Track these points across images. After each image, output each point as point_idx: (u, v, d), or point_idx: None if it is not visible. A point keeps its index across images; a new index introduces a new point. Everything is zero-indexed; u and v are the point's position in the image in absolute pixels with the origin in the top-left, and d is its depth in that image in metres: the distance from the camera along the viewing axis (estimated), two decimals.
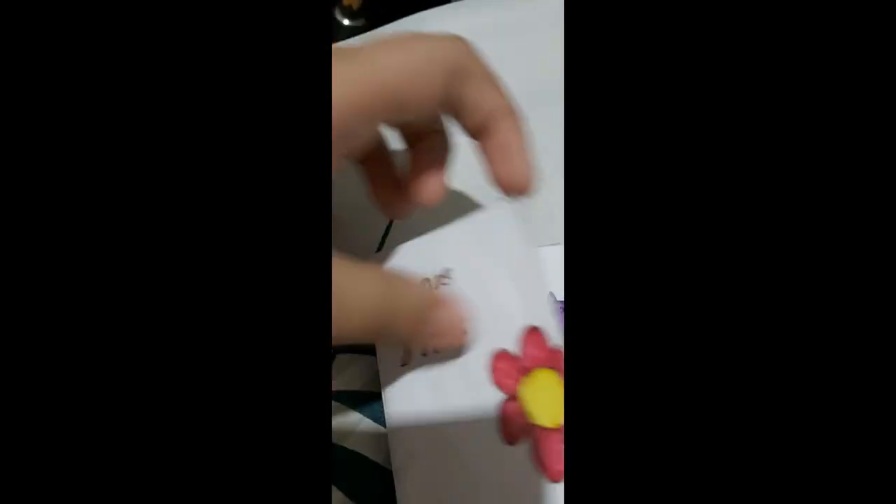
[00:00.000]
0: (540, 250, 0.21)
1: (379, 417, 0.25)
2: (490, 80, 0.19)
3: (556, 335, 0.20)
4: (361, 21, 0.63)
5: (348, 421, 0.25)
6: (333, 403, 0.26)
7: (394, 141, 0.23)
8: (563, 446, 0.19)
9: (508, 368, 0.20)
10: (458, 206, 0.27)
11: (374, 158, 0.22)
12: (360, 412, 0.26)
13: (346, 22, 0.63)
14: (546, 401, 0.20)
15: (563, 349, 0.20)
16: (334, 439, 0.25)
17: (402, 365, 0.22)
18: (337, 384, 0.26)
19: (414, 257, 0.22)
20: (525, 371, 0.20)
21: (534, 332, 0.20)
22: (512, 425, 0.20)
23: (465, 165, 0.23)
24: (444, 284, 0.21)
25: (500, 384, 0.20)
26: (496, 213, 0.21)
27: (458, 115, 0.19)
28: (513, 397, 0.20)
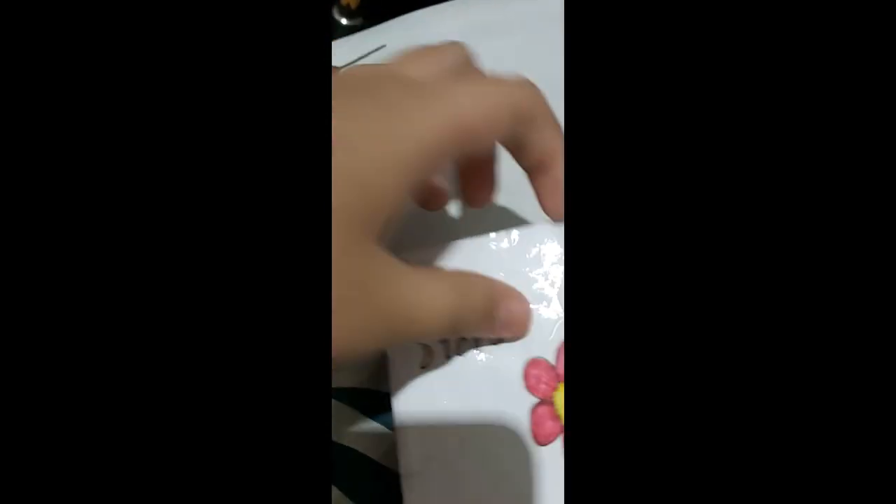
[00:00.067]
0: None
1: (380, 416, 0.25)
2: (551, 123, 0.20)
3: None
4: (359, 20, 0.63)
5: (348, 419, 0.25)
6: (333, 401, 0.26)
7: None
8: None
9: (543, 375, 0.21)
10: (500, 217, 0.28)
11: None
12: (360, 410, 0.26)
13: (343, 21, 0.63)
14: None
15: None
16: (333, 437, 0.25)
17: (422, 367, 0.22)
18: (336, 382, 0.26)
19: (460, 258, 0.22)
20: (560, 378, 0.21)
21: None
22: (543, 426, 0.20)
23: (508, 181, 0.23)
24: None
25: (533, 389, 0.21)
26: (545, 231, 0.22)
27: (518, 153, 0.20)
28: (545, 401, 0.20)
